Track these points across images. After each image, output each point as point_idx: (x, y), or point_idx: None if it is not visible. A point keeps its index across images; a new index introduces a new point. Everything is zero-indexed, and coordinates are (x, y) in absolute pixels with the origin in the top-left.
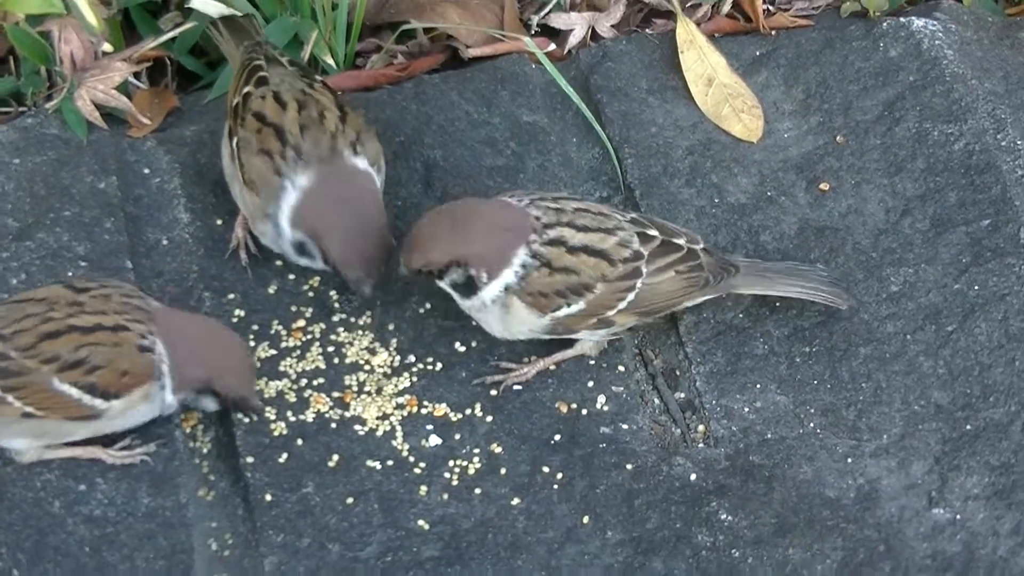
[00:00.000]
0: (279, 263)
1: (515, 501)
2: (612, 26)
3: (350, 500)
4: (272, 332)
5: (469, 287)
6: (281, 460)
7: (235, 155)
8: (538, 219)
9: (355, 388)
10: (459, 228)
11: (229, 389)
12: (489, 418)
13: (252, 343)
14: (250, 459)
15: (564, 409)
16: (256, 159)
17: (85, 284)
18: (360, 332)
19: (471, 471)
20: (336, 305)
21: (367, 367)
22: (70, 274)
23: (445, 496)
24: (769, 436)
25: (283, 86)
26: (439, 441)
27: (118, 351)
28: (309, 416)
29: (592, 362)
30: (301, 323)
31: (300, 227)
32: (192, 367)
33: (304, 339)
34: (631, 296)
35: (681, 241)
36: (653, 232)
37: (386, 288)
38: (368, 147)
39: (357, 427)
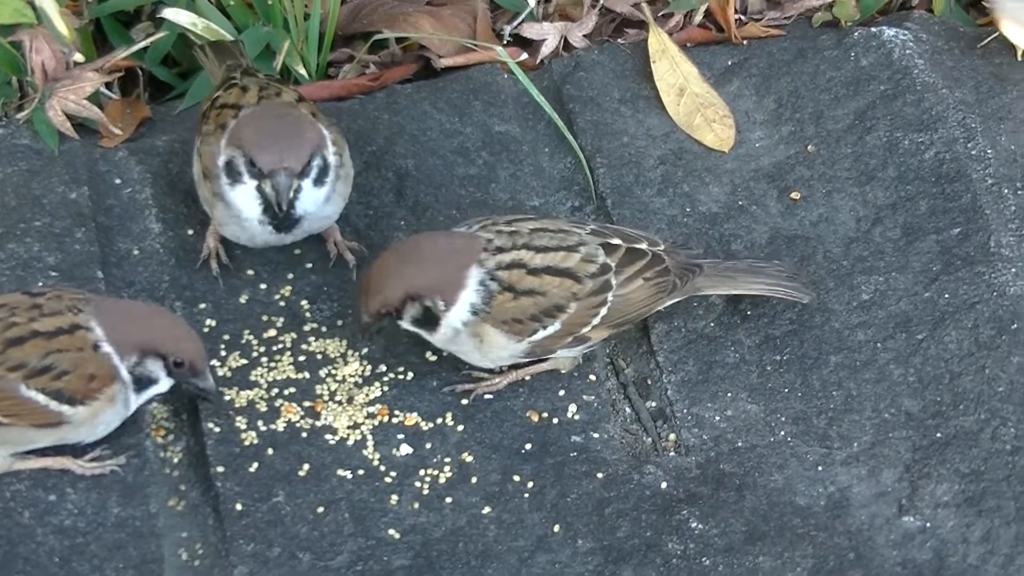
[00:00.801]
0: (250, 272)
1: (486, 510)
2: (584, 36)
3: (321, 509)
4: (243, 342)
5: (431, 319)
6: (252, 469)
7: (197, 151)
8: (489, 240)
9: (326, 397)
10: (406, 263)
11: (174, 350)
12: (460, 427)
13: (223, 353)
14: (220, 468)
15: (535, 418)
16: (211, 143)
17: (40, 289)
18: (331, 341)
19: (442, 480)
20: (307, 315)
21: (338, 376)
22: (40, 284)
23: (416, 505)
24: (740, 444)
25: (249, 81)
26: (410, 450)
27: (82, 355)
28: (280, 425)
29: (564, 372)
30: (272, 332)
31: (229, 143)
32: (130, 331)
33: (275, 348)
34: (604, 311)
35: (644, 246)
36: (616, 241)
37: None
38: (329, 126)
39: (328, 436)
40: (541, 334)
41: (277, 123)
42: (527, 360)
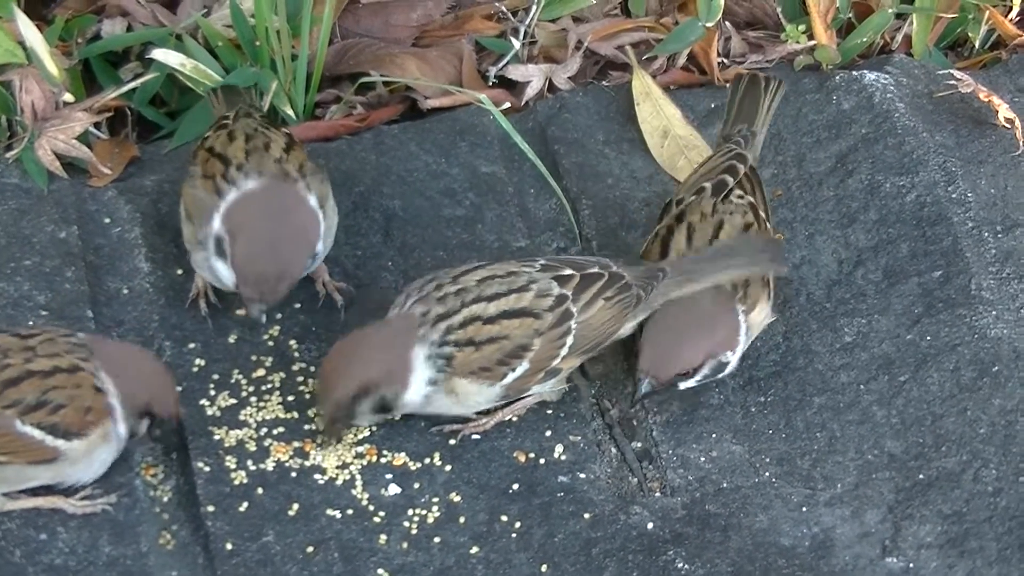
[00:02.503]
0: (240, 312)
1: (474, 550)
2: (569, 78)
3: (310, 549)
4: (232, 381)
5: (385, 406)
6: (242, 509)
7: (182, 191)
8: (424, 314)
9: (315, 437)
10: (349, 360)
11: (165, 409)
12: (448, 467)
13: (212, 392)
14: (211, 508)
15: (522, 458)
16: (198, 185)
17: (29, 331)
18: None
19: (430, 520)
20: (296, 354)
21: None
22: (31, 323)
23: (404, 545)
24: (725, 485)
25: (237, 126)
26: (398, 490)
27: (79, 391)
28: (269, 465)
29: (550, 411)
30: (261, 372)
31: (225, 221)
32: (136, 393)
33: (264, 388)
34: (570, 340)
35: (595, 270)
36: (568, 271)
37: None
38: (314, 181)
39: (317, 476)
40: (511, 376)
41: (268, 246)
42: (502, 403)
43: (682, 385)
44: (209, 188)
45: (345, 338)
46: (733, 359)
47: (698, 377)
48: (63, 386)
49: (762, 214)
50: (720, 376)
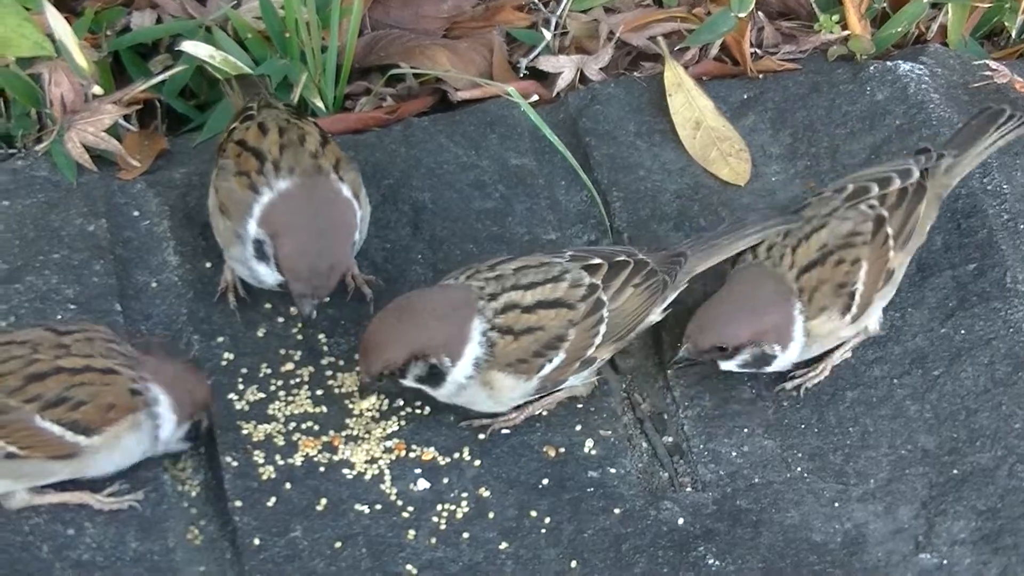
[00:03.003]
0: (268, 306)
1: (503, 545)
2: (600, 69)
3: (338, 544)
4: (261, 375)
5: (435, 376)
6: (269, 504)
7: (213, 183)
8: (481, 288)
9: (343, 432)
10: (407, 321)
11: (213, 415)
12: (477, 462)
13: (241, 387)
14: (238, 503)
15: (552, 453)
16: (232, 181)
17: (67, 327)
18: (349, 375)
19: (459, 515)
20: (325, 348)
21: (355, 411)
22: (59, 317)
23: (433, 540)
24: (756, 480)
25: (268, 118)
26: (427, 485)
27: (107, 389)
28: (298, 460)
29: (580, 406)
30: (290, 366)
31: (263, 225)
32: (188, 400)
33: (293, 382)
34: (603, 328)
35: (622, 258)
36: (596, 260)
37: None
38: (347, 175)
39: (345, 471)
40: (548, 367)
41: (314, 239)
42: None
43: (723, 365)
44: (244, 185)
45: (400, 299)
46: (781, 356)
47: (738, 360)
48: (90, 383)
49: (888, 230)
50: (764, 370)
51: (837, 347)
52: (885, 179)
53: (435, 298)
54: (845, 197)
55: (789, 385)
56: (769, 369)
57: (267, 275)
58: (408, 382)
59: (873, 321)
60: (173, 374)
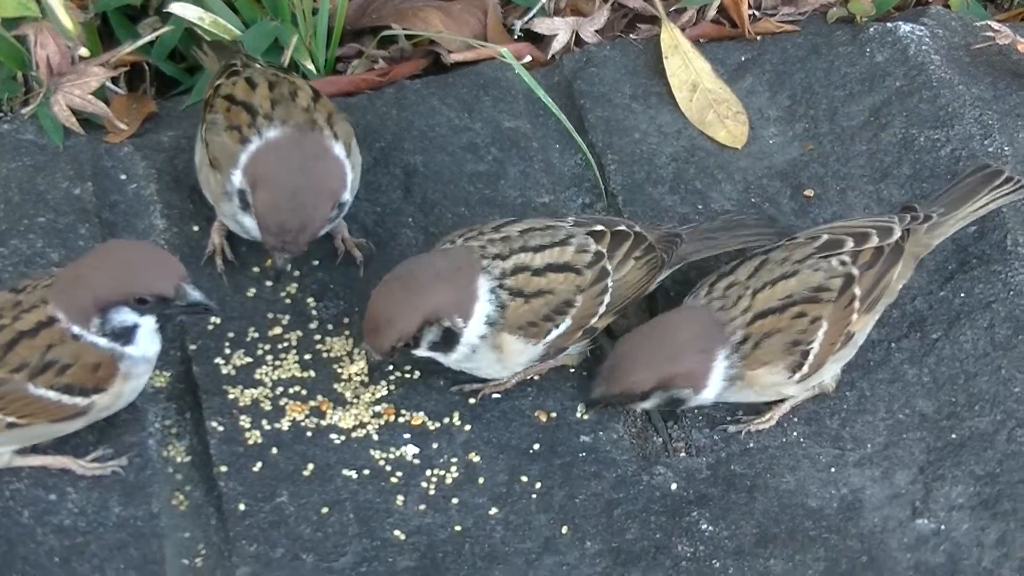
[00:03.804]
0: (256, 270)
1: (493, 511)
2: (596, 31)
3: (325, 510)
4: (248, 340)
5: (449, 340)
6: (255, 469)
7: (202, 138)
8: (483, 248)
9: (332, 396)
10: (412, 288)
11: (127, 291)
12: (467, 427)
13: (228, 351)
14: (224, 468)
15: (543, 418)
16: (224, 135)
17: (24, 282)
18: (337, 340)
19: (448, 481)
20: (313, 312)
21: (344, 375)
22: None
23: (422, 506)
24: (751, 445)
25: (254, 73)
26: (416, 450)
27: (76, 346)
28: (284, 425)
29: (572, 370)
30: (278, 330)
31: (246, 174)
32: (76, 296)
33: (280, 347)
34: (607, 298)
35: (623, 227)
36: (599, 227)
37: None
38: (340, 128)
39: (333, 436)
40: (554, 333)
41: (289, 196)
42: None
43: (637, 407)
44: (235, 139)
45: (403, 265)
46: (696, 398)
47: (650, 403)
48: (55, 344)
49: (855, 291)
50: (685, 407)
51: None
52: (862, 234)
53: (436, 261)
54: (818, 247)
55: (732, 428)
56: (690, 405)
57: (253, 228)
58: (421, 351)
59: (829, 379)
60: (65, 279)
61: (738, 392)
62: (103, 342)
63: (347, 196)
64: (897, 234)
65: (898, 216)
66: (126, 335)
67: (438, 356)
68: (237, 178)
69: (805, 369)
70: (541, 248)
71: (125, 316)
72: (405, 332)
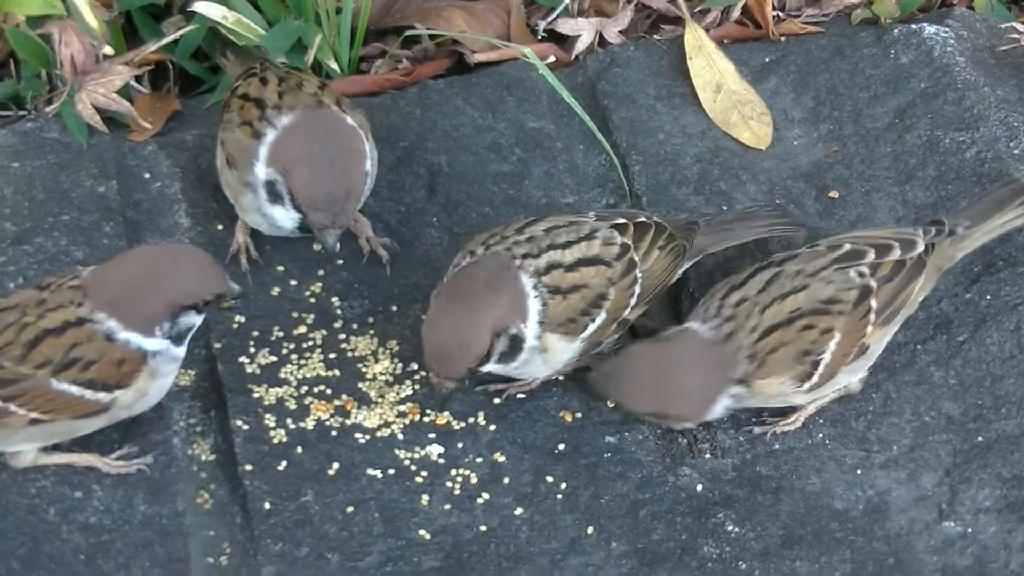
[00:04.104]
0: (280, 268)
1: (518, 511)
2: (620, 32)
3: (350, 509)
4: (273, 338)
5: (514, 347)
6: (280, 468)
7: (220, 140)
8: (509, 251)
9: (356, 396)
10: (469, 307)
11: (201, 293)
12: (492, 427)
13: (252, 349)
14: (249, 467)
15: (568, 418)
16: (237, 131)
17: (47, 280)
18: (362, 339)
19: (474, 480)
20: (338, 311)
21: (369, 374)
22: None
23: (447, 506)
24: (777, 447)
25: (269, 72)
26: (441, 450)
27: (101, 344)
28: (309, 424)
29: None
30: (302, 329)
31: (271, 164)
32: (146, 306)
33: (305, 345)
34: (637, 288)
35: (643, 219)
36: (622, 220)
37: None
38: (354, 114)
39: (358, 435)
40: (591, 328)
41: (327, 167)
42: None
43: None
44: (248, 133)
45: (446, 291)
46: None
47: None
48: (82, 342)
49: (872, 303)
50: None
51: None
52: (884, 246)
53: (476, 274)
54: (836, 258)
55: (758, 430)
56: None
57: (284, 218)
58: (490, 365)
59: (855, 381)
60: (115, 286)
61: (743, 403)
62: (153, 344)
63: (369, 167)
64: (920, 248)
65: (923, 229)
66: (182, 336)
67: (499, 367)
68: (261, 170)
69: (815, 379)
70: (569, 244)
71: (192, 319)
72: (479, 350)
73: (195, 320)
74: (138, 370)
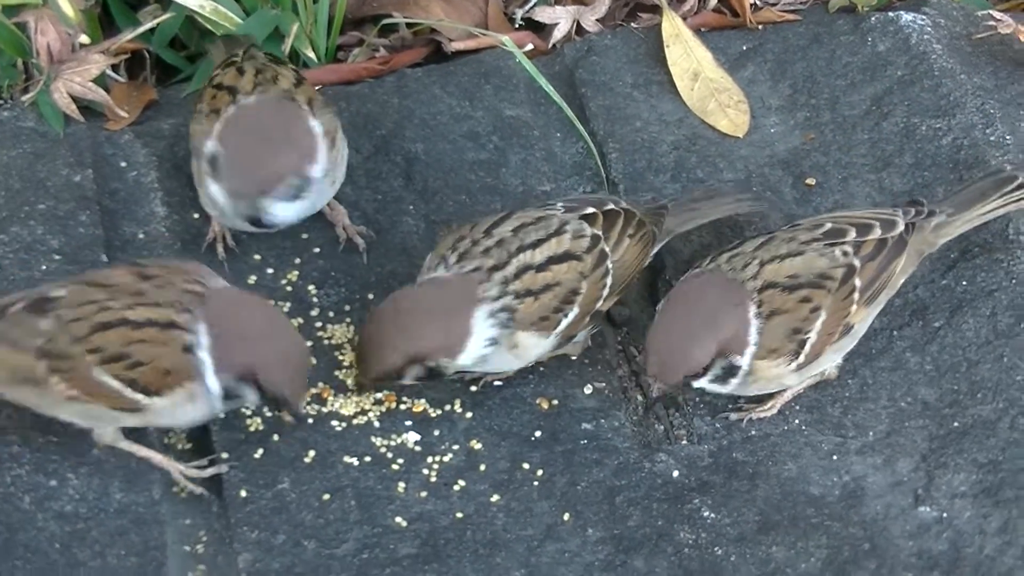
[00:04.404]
0: (257, 257)
1: (494, 498)
2: (597, 20)
3: (326, 496)
4: None
5: (435, 375)
6: (257, 456)
7: (190, 130)
8: (477, 268)
9: (333, 383)
10: (403, 325)
11: (275, 387)
12: (469, 414)
13: None
14: (225, 455)
15: (545, 405)
16: (204, 122)
17: (154, 271)
18: (339, 327)
19: (450, 468)
20: (315, 300)
21: (345, 362)
22: (43, 268)
23: (423, 493)
24: (753, 433)
25: (247, 62)
26: (417, 437)
27: (163, 350)
28: (286, 411)
29: (574, 358)
30: None
31: (218, 138)
32: (238, 352)
33: None
34: (609, 280)
35: (611, 207)
36: (591, 210)
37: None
38: (322, 114)
39: (334, 423)
40: (564, 323)
41: (257, 139)
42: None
43: (695, 384)
44: (212, 121)
45: (396, 298)
46: (742, 360)
47: (709, 377)
48: (150, 341)
49: (856, 282)
50: (727, 386)
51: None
52: (865, 225)
53: (430, 296)
54: (822, 234)
55: (734, 416)
56: (731, 384)
57: (218, 194)
58: (408, 381)
59: (831, 366)
60: (232, 315)
61: (746, 387)
62: (212, 382)
63: (317, 172)
64: (900, 227)
65: (902, 210)
66: (228, 397)
67: (432, 380)
68: (211, 143)
69: (801, 358)
70: (538, 243)
71: (249, 393)
72: (386, 372)
73: (251, 399)
74: (180, 385)
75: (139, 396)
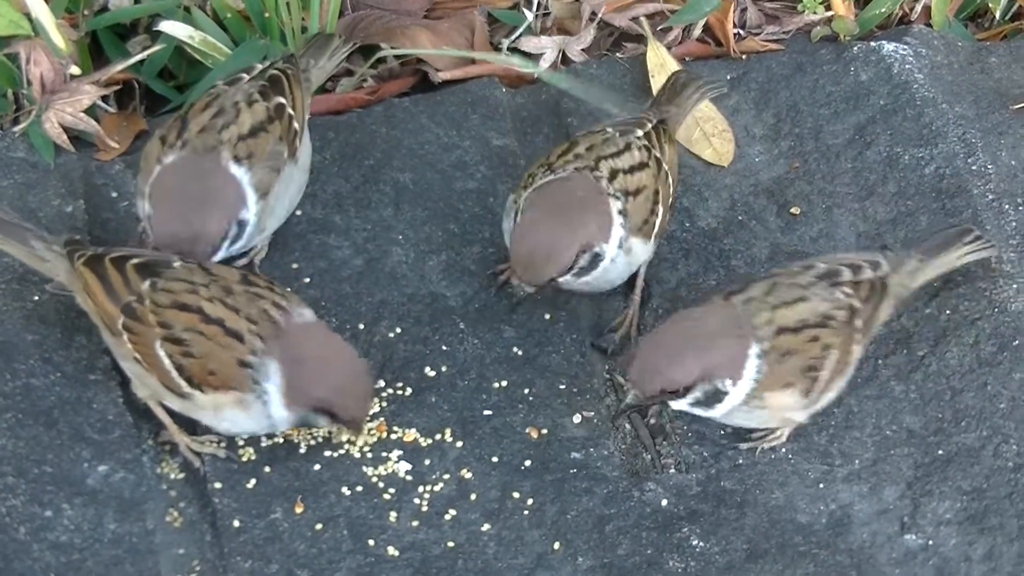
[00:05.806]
0: None
1: (485, 527)
2: (582, 50)
3: (319, 526)
4: None
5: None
6: (249, 486)
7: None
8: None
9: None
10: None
11: (347, 413)
12: (459, 443)
13: None
14: (218, 484)
15: (535, 434)
16: (154, 142)
17: (257, 280)
18: None
19: (441, 497)
20: None
21: None
22: (36, 298)
23: (415, 522)
24: (741, 462)
25: (221, 99)
26: (409, 467)
27: (219, 352)
28: (279, 441)
29: (563, 387)
30: None
31: (148, 199)
32: (307, 388)
33: None
34: (669, 179)
35: (643, 118)
36: (640, 132)
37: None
38: (256, 168)
39: (327, 452)
40: (656, 223)
41: (178, 213)
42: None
43: (674, 405)
44: (154, 155)
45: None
46: (733, 391)
47: (690, 399)
48: (210, 338)
49: (858, 323)
50: (712, 411)
51: None
52: (856, 266)
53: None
54: (817, 275)
55: (744, 446)
56: (717, 410)
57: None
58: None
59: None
60: (310, 352)
61: (749, 413)
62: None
63: (247, 216)
64: (886, 268)
65: (881, 254)
66: (292, 421)
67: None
68: (146, 205)
69: (813, 394)
70: (618, 154)
71: (321, 419)
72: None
73: (323, 423)
74: (224, 388)
75: (183, 383)
